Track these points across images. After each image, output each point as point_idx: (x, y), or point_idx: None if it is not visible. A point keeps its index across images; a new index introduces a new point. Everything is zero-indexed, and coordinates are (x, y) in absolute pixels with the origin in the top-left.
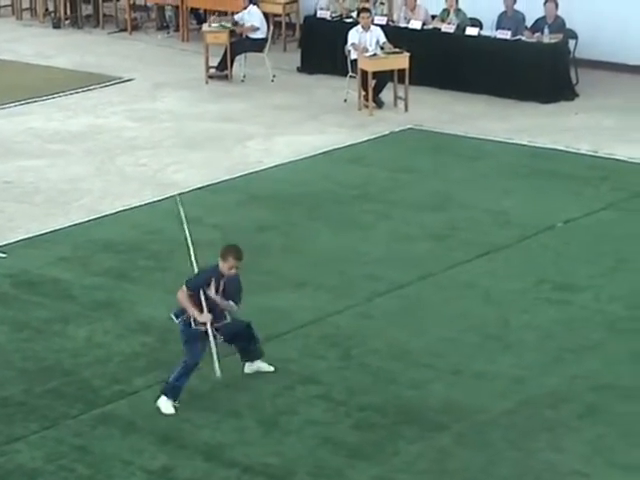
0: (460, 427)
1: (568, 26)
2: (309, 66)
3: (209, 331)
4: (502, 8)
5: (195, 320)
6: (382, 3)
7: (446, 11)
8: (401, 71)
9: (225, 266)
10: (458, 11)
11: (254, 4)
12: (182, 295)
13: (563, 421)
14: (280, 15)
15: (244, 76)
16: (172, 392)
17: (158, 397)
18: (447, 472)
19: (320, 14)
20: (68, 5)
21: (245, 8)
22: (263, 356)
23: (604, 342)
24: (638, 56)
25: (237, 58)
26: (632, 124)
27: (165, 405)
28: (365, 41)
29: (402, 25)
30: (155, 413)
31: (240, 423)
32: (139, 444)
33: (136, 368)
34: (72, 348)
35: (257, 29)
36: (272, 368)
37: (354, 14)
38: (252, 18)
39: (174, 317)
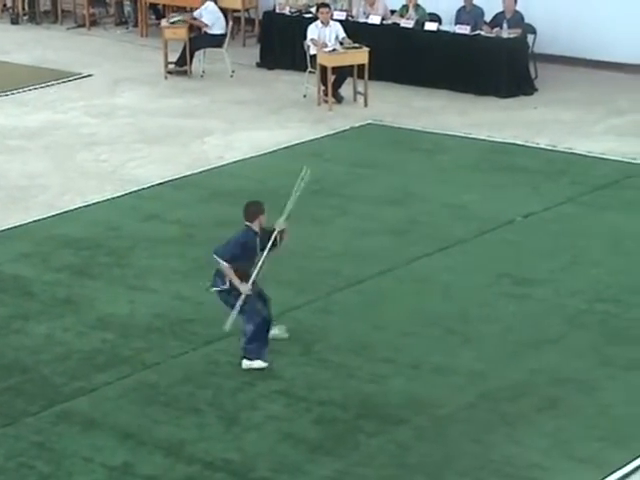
0: (420, 421)
1: (527, 21)
2: (268, 61)
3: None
4: (461, 3)
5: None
6: None
7: (405, 7)
8: (360, 66)
9: (261, 222)
10: (417, 6)
11: (210, 0)
12: (226, 268)
13: (522, 414)
14: (239, 10)
15: (203, 71)
16: (251, 352)
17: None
18: (407, 466)
19: (279, 9)
20: (26, 1)
21: (203, 4)
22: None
23: (563, 336)
24: (596, 50)
25: (196, 53)
26: (590, 118)
27: (251, 365)
28: (324, 36)
29: (361, 20)
30: (116, 409)
31: (200, 419)
32: (99, 441)
33: (96, 365)
34: (32, 345)
35: (206, 26)
36: (287, 335)
37: (313, 9)
38: (208, 14)
39: (216, 287)
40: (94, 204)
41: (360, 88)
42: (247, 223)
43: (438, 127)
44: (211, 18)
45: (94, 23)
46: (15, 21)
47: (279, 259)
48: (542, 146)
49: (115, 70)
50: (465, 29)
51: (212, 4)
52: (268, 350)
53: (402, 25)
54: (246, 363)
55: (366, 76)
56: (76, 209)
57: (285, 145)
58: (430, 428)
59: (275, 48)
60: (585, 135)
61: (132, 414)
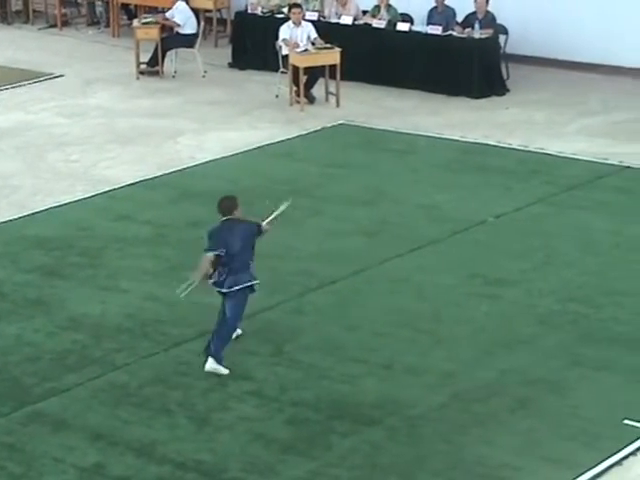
0: (392, 421)
1: (498, 21)
2: (240, 62)
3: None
4: (433, 3)
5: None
6: None
7: (377, 7)
8: (332, 67)
9: (237, 216)
10: (389, 7)
11: (182, 0)
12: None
13: (494, 415)
14: (211, 11)
15: (175, 72)
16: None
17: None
18: (379, 466)
19: (251, 10)
20: None
21: (174, 4)
22: None
23: (535, 336)
24: (567, 51)
25: (168, 54)
26: (562, 119)
27: (217, 369)
28: (296, 37)
29: (333, 21)
30: (86, 410)
31: (172, 420)
32: (70, 441)
33: (67, 365)
34: (2, 346)
35: (178, 26)
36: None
37: (285, 10)
38: (179, 14)
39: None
40: (65, 204)
41: (332, 88)
42: (224, 219)
43: (410, 127)
44: (182, 18)
45: (66, 23)
46: None
47: None
48: (514, 146)
49: (87, 70)
50: (437, 29)
51: (183, 4)
52: (240, 349)
53: (374, 25)
54: (213, 365)
55: (338, 76)
56: (47, 209)
57: (257, 145)
58: (402, 428)
59: (247, 48)
60: (557, 135)
61: (103, 415)
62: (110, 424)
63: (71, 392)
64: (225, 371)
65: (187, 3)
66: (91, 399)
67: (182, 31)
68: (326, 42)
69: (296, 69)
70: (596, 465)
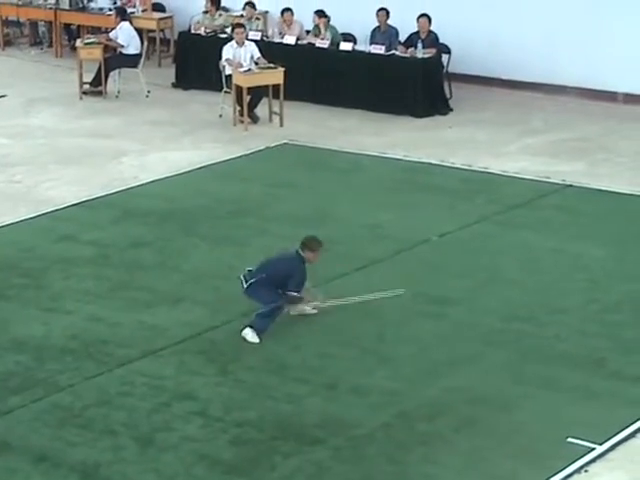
0: (336, 441)
1: (441, 41)
2: (184, 81)
3: None
4: (375, 23)
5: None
6: (257, 19)
7: (317, 27)
8: (276, 86)
9: (314, 256)
10: (328, 26)
11: (125, 20)
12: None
13: (439, 434)
14: (154, 30)
15: (119, 92)
16: (259, 325)
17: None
18: None
19: (194, 30)
20: None
21: (118, 24)
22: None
23: (479, 354)
24: (510, 70)
25: (111, 74)
26: (505, 137)
27: (248, 334)
28: (239, 56)
29: (276, 40)
30: (30, 432)
31: (116, 441)
32: (14, 464)
33: (10, 387)
34: None
35: (122, 46)
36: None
37: (228, 30)
38: (123, 34)
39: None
40: (8, 225)
41: (276, 108)
42: (301, 252)
43: (354, 147)
44: (126, 38)
45: (8, 43)
46: None
47: (195, 279)
48: (457, 165)
49: (30, 90)
50: (380, 49)
51: (127, 24)
52: (185, 370)
53: (317, 45)
54: (247, 331)
55: (281, 96)
56: None
57: (201, 165)
58: (347, 448)
59: (190, 68)
60: (500, 155)
61: (47, 436)
62: (54, 446)
63: (14, 414)
64: (256, 339)
65: (130, 23)
66: (35, 421)
67: (125, 51)
68: (269, 62)
69: (239, 89)
70: None
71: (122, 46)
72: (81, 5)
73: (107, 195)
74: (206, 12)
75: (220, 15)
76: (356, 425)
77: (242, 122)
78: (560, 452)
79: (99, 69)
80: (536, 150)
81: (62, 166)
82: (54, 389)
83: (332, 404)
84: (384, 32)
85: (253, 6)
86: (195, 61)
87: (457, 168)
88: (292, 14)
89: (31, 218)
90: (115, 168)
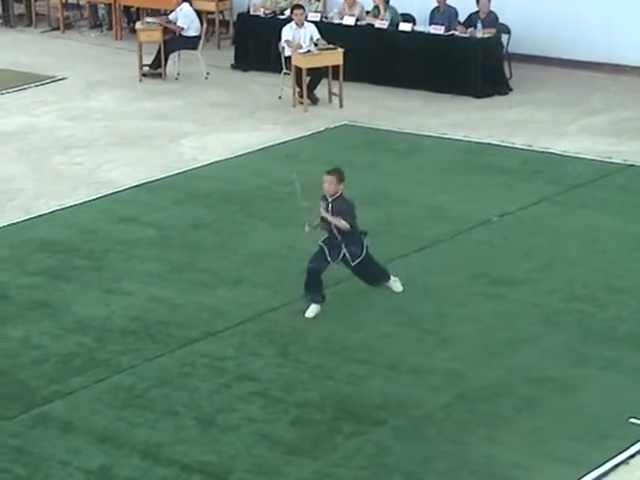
0: (397, 422)
1: (501, 21)
2: (243, 63)
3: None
4: (435, 4)
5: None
6: (317, 0)
7: (376, 7)
8: (335, 67)
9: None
10: (388, 7)
11: (185, 2)
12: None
13: (499, 414)
14: (213, 12)
15: (178, 74)
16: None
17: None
18: (385, 467)
19: (253, 11)
20: (0, 4)
21: (178, 6)
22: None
23: (540, 335)
24: (569, 50)
25: (171, 56)
26: (565, 117)
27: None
28: (299, 38)
29: (336, 21)
30: (92, 412)
31: (177, 421)
32: (76, 444)
33: (73, 368)
34: (8, 349)
35: (181, 29)
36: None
37: (287, 11)
38: (183, 17)
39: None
40: (69, 207)
41: (335, 89)
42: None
43: (413, 128)
44: (186, 21)
45: (68, 26)
46: None
47: (256, 261)
48: (517, 146)
49: (90, 73)
50: (439, 29)
51: (187, 6)
52: (245, 351)
53: (376, 26)
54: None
55: (341, 77)
56: (51, 212)
57: (260, 147)
58: (408, 429)
59: (250, 50)
60: (560, 135)
61: (109, 417)
62: (116, 426)
63: (77, 395)
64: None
65: (190, 5)
66: (97, 402)
67: (185, 33)
68: (329, 43)
69: (299, 70)
70: (602, 464)
71: (182, 29)
72: None
73: (167, 177)
74: None
75: None
76: (417, 405)
77: (301, 103)
78: (622, 433)
79: (159, 51)
80: (597, 130)
81: (122, 148)
82: (116, 370)
83: (393, 385)
84: (443, 12)
85: None
86: (254, 43)
87: (517, 148)
88: None
89: (92, 200)
90: (175, 150)
